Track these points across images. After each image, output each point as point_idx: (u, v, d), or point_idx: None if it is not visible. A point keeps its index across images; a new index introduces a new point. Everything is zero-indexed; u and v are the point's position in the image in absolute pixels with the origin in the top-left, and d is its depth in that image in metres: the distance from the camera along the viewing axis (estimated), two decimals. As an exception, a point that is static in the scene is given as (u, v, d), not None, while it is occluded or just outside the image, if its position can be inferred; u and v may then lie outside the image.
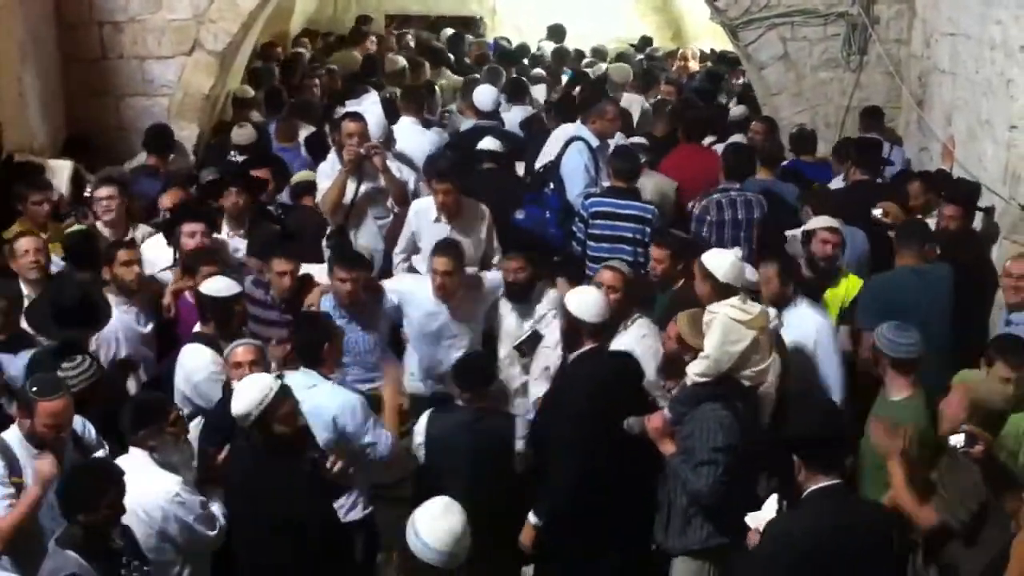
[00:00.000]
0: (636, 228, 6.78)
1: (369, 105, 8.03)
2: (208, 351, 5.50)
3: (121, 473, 4.13)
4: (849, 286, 6.35)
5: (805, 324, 5.82)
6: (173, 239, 6.55)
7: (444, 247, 6.16)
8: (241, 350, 5.24)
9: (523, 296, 6.23)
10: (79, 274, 6.09)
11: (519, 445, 5.29)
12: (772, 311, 5.48)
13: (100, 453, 4.58)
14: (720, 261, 5.21)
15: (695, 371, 4.84)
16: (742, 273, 5.27)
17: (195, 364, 5.49)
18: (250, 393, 4.44)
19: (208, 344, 5.54)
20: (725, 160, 7.36)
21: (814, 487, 4.06)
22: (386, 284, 6.43)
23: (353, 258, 6.22)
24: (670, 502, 4.96)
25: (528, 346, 5.62)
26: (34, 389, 4.49)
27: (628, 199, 6.89)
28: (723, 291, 5.08)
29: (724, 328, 4.83)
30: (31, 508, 4.37)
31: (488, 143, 7.72)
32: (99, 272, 6.17)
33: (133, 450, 4.55)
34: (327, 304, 6.11)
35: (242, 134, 8.66)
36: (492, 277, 6.43)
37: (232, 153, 8.50)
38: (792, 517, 4.21)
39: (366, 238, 7.28)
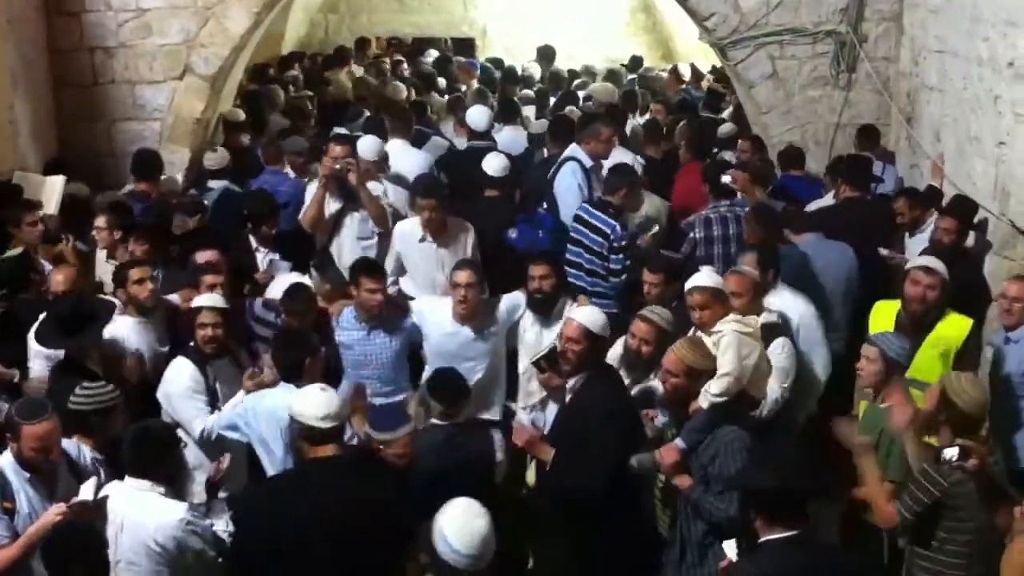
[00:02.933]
0: (596, 240, 6.86)
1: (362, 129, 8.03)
2: (189, 366, 5.55)
3: (102, 542, 4.10)
4: (951, 326, 5.69)
5: (786, 310, 5.89)
6: (189, 265, 6.56)
7: (464, 262, 6.23)
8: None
9: (546, 308, 6.16)
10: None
11: (499, 455, 5.22)
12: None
13: (93, 480, 4.51)
14: (714, 276, 5.23)
15: (715, 391, 4.78)
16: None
17: (173, 377, 5.55)
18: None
19: (190, 358, 5.58)
20: (708, 179, 7.40)
21: (770, 537, 3.92)
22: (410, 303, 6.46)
23: (379, 267, 6.26)
24: (682, 537, 4.82)
25: (547, 361, 5.46)
26: (17, 413, 4.46)
27: (600, 211, 6.94)
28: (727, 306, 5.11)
29: (737, 343, 4.84)
30: (25, 550, 4.33)
31: (493, 165, 7.53)
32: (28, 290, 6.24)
33: (134, 480, 4.42)
34: (348, 316, 6.15)
35: (213, 158, 8.65)
36: (513, 296, 6.37)
37: (210, 182, 8.47)
38: (750, 563, 4.06)
39: (349, 259, 7.25)
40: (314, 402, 4.47)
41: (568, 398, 5.23)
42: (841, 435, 4.87)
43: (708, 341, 4.95)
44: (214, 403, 5.55)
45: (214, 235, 7.14)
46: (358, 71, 13.06)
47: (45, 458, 4.47)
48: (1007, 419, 5.67)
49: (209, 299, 5.75)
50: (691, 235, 7.15)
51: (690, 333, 5.44)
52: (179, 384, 5.52)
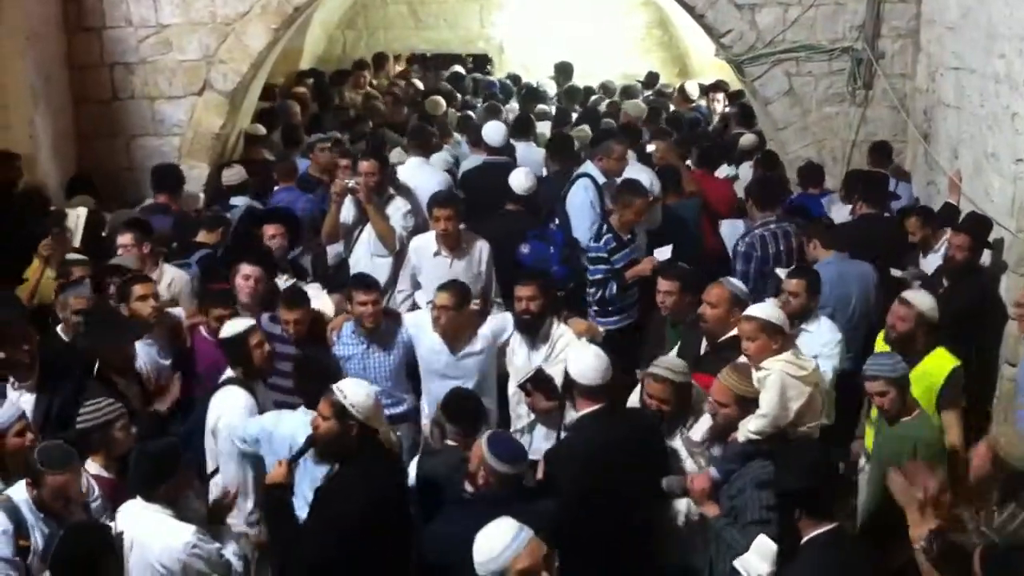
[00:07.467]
0: None
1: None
2: (240, 391, 5.42)
3: (112, 544, 4.07)
4: (935, 362, 5.58)
5: (821, 336, 5.95)
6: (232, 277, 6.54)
7: (449, 284, 6.15)
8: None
9: (533, 328, 6.07)
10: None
11: None
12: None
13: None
14: (772, 309, 5.21)
15: (752, 429, 4.71)
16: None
17: (227, 405, 5.38)
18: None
19: (240, 386, 5.46)
20: (751, 193, 7.48)
21: (813, 533, 4.01)
22: (405, 317, 6.46)
23: (370, 281, 6.24)
24: (711, 567, 4.69)
25: (533, 384, 5.39)
26: (41, 461, 4.33)
27: None
28: (782, 340, 5.06)
29: (782, 385, 4.76)
30: None
31: (519, 182, 7.53)
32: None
33: (143, 501, 4.38)
34: (347, 330, 6.17)
35: (230, 174, 8.62)
36: (500, 318, 6.36)
37: (232, 199, 8.43)
38: (800, 568, 4.07)
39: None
40: None
41: (565, 433, 5.10)
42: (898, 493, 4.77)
43: (754, 376, 4.88)
44: None
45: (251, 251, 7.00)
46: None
47: (66, 506, 4.39)
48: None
49: (247, 321, 5.67)
50: (754, 255, 7.07)
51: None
52: (236, 409, 5.34)
